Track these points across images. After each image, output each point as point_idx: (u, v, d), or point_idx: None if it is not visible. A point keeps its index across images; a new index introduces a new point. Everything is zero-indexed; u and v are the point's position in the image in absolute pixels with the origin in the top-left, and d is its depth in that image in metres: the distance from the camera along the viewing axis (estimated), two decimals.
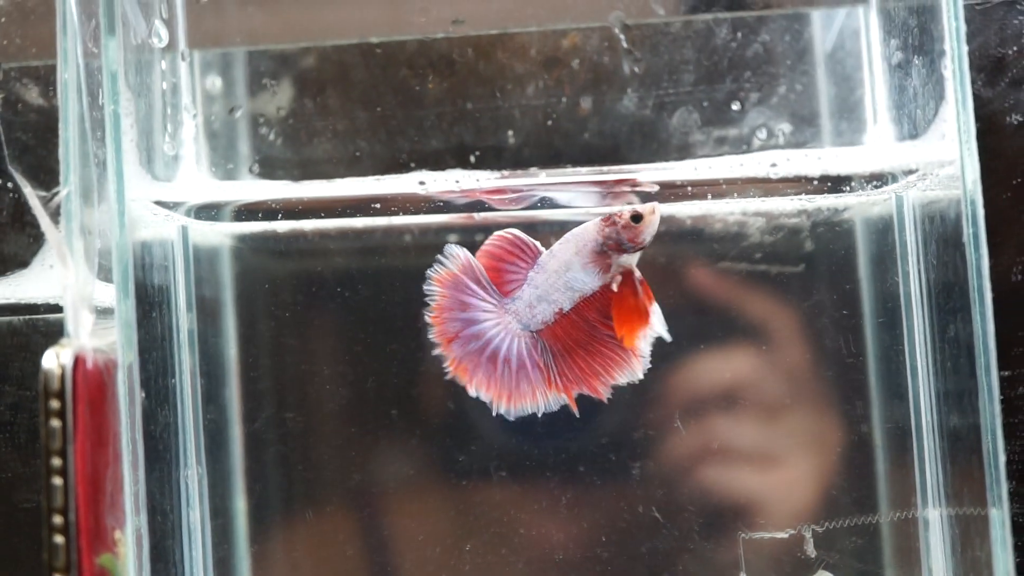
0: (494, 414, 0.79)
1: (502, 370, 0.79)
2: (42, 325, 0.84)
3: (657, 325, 0.77)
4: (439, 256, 0.78)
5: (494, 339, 0.79)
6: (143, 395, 0.74)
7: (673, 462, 0.87)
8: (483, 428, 0.87)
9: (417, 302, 0.79)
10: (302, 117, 0.88)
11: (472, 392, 0.79)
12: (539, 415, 0.79)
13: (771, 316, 0.88)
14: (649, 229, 0.77)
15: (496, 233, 0.78)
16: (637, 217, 0.77)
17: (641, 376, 0.79)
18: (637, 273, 0.78)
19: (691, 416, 0.88)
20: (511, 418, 0.79)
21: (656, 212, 0.77)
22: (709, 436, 0.88)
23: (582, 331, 0.79)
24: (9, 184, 0.83)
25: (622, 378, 0.79)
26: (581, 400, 0.80)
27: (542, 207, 0.84)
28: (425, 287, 0.78)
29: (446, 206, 0.84)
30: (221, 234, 0.88)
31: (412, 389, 0.88)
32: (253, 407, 0.89)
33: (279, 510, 0.90)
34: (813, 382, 0.88)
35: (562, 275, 0.78)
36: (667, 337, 0.77)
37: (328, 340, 0.91)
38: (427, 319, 0.79)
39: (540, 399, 0.79)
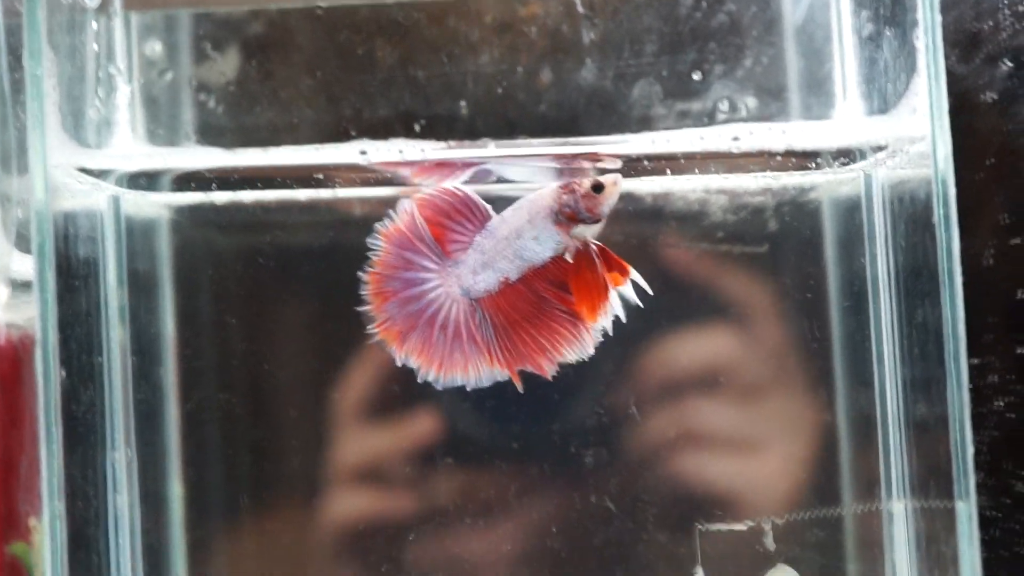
0: (419, 380, 0.75)
1: (437, 336, 0.74)
2: None
3: (630, 291, 0.73)
4: (389, 211, 0.74)
5: (434, 302, 0.75)
6: (63, 373, 0.70)
7: (631, 449, 0.83)
8: (429, 412, 0.83)
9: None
10: (245, 84, 0.84)
11: (399, 359, 0.74)
12: (467, 389, 0.75)
13: (746, 296, 0.84)
14: (609, 200, 0.73)
15: (444, 185, 0.74)
16: (598, 187, 0.72)
17: (591, 352, 0.75)
18: (594, 245, 0.74)
19: (652, 401, 0.84)
20: (439, 387, 0.75)
21: (618, 184, 0.73)
22: (672, 423, 0.84)
23: (529, 303, 0.75)
24: None
25: (571, 355, 0.75)
26: (536, 383, 0.76)
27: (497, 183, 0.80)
28: (369, 240, 0.74)
29: (392, 180, 0.79)
30: (158, 205, 0.84)
31: (356, 371, 0.84)
32: (190, 387, 0.85)
33: (218, 497, 0.85)
34: (778, 368, 0.85)
35: (512, 242, 0.74)
36: (648, 291, 0.73)
37: (270, 318, 0.86)
38: (363, 276, 0.74)
39: (472, 372, 0.75)
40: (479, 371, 0.75)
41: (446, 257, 0.74)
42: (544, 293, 0.74)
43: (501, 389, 0.75)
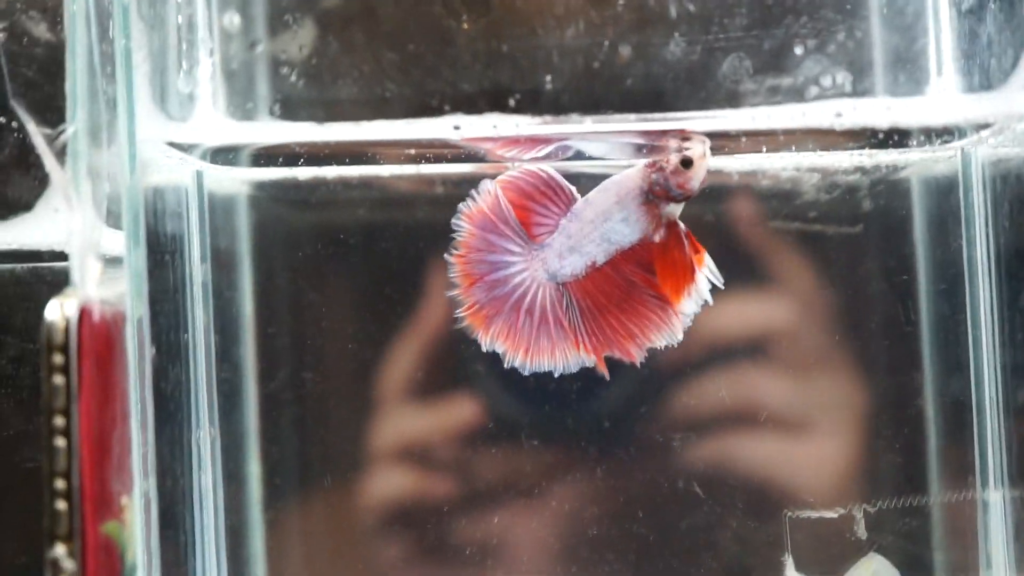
0: (506, 366, 0.73)
1: (523, 321, 0.73)
2: (47, 274, 0.78)
3: (710, 275, 0.71)
4: (472, 192, 0.72)
5: (519, 286, 0.73)
6: (153, 351, 0.69)
7: (715, 432, 0.82)
8: (515, 393, 0.82)
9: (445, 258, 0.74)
10: (326, 56, 0.82)
11: (485, 344, 0.73)
12: (555, 375, 0.73)
13: (807, 277, 0.82)
14: (699, 174, 0.71)
15: (526, 167, 0.72)
16: (687, 162, 0.71)
17: (680, 337, 0.73)
18: (681, 225, 0.72)
19: (733, 382, 0.83)
20: (525, 372, 0.73)
21: (707, 156, 0.71)
22: (753, 405, 0.82)
23: (617, 287, 0.73)
24: (13, 123, 0.78)
25: (660, 340, 0.73)
26: (617, 366, 0.75)
27: (575, 158, 0.78)
28: (453, 222, 0.73)
29: (470, 157, 0.78)
30: (238, 181, 0.83)
31: (439, 349, 0.82)
32: (269, 366, 0.84)
33: (295, 476, 0.85)
34: (866, 351, 0.83)
35: (599, 225, 0.72)
36: (719, 284, 0.72)
37: (350, 297, 0.85)
38: (449, 258, 0.73)
39: (560, 358, 0.73)
40: (566, 356, 0.73)
41: (531, 240, 0.73)
42: (632, 276, 0.73)
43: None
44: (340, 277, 0.85)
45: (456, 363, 0.83)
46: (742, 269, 0.84)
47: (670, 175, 0.71)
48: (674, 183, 0.71)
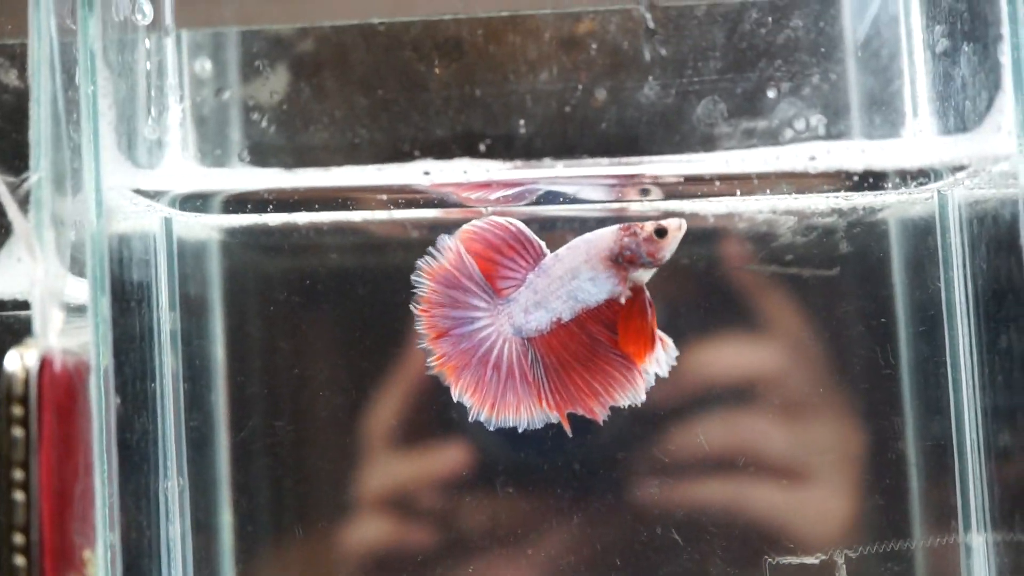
0: (471, 419, 0.72)
1: (490, 375, 0.72)
2: (12, 322, 0.77)
3: (662, 356, 0.71)
4: (430, 248, 0.72)
5: (485, 341, 0.73)
6: (119, 401, 0.68)
7: (694, 478, 0.81)
8: (488, 440, 0.81)
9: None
10: (297, 103, 0.82)
11: (455, 395, 0.72)
12: (519, 430, 0.73)
13: (792, 319, 0.82)
14: (671, 245, 0.71)
15: (493, 218, 0.71)
16: (661, 231, 0.70)
17: (643, 399, 0.72)
18: (647, 293, 0.72)
19: (713, 427, 0.82)
20: (490, 428, 0.72)
21: (682, 228, 0.70)
22: (732, 450, 0.81)
23: (581, 344, 0.73)
24: None
25: (623, 399, 0.72)
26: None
27: (546, 199, 0.77)
28: (413, 278, 0.72)
29: (443, 201, 0.77)
30: (208, 227, 0.82)
31: (420, 396, 0.81)
32: (241, 414, 0.83)
33: (267, 526, 0.83)
34: (845, 394, 0.82)
35: (566, 283, 0.72)
36: (671, 362, 0.71)
37: (323, 343, 0.84)
38: (415, 311, 0.72)
39: (524, 413, 0.72)
40: (531, 412, 0.73)
41: (496, 294, 0.72)
42: (597, 335, 0.72)
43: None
44: (313, 324, 0.84)
45: (437, 410, 0.82)
46: (724, 312, 0.83)
47: (643, 241, 0.71)
48: (645, 250, 0.71)
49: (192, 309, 0.82)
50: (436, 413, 0.82)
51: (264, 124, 0.82)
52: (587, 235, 0.72)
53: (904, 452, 0.81)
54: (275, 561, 0.84)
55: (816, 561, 0.78)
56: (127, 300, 0.71)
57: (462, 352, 0.73)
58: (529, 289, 0.72)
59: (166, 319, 0.77)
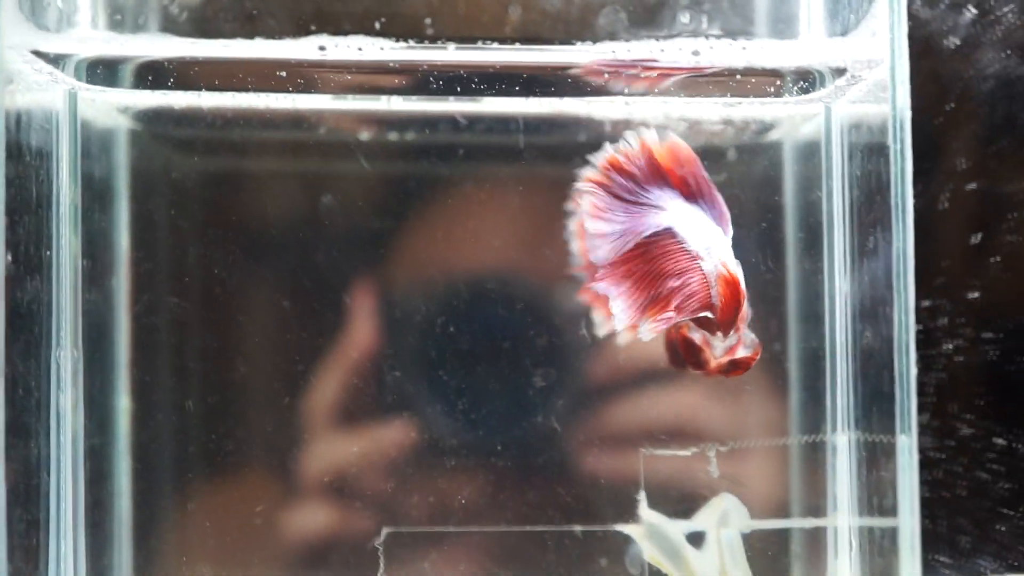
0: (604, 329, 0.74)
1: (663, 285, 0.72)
2: None
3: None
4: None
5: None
6: (9, 258, 0.69)
7: (580, 372, 0.83)
8: (431, 418, 0.83)
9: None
10: None
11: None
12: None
13: None
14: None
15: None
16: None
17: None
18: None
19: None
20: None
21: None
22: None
23: None
24: None
25: None
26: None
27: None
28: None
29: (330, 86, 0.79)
30: (114, 109, 0.83)
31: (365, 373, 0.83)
32: (141, 298, 0.84)
33: (164, 404, 0.85)
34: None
35: None
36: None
37: (229, 243, 0.85)
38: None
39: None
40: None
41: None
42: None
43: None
44: (223, 220, 0.85)
45: (382, 387, 0.84)
46: None
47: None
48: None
49: (96, 191, 0.83)
50: (378, 391, 0.84)
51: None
52: None
53: (784, 355, 0.84)
54: (168, 433, 0.85)
55: (688, 453, 0.81)
56: (23, 163, 0.72)
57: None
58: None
59: (66, 192, 0.78)
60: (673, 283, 0.72)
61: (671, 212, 0.72)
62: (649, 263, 0.72)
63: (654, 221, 0.72)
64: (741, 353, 0.73)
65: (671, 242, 0.72)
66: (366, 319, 0.83)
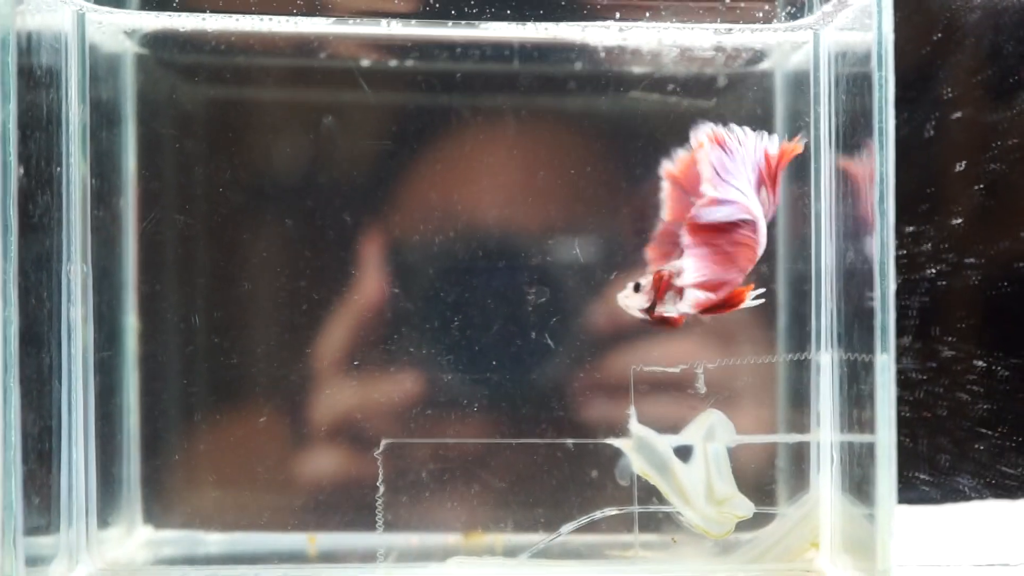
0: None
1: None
2: None
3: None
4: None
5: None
6: (21, 171, 0.72)
7: (570, 292, 0.86)
8: (437, 368, 0.86)
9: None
10: None
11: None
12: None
13: None
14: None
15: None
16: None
17: None
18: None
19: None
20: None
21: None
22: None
23: None
24: None
25: None
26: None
27: None
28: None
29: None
30: (121, 32, 0.85)
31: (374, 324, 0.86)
32: (148, 216, 0.87)
33: (172, 320, 0.87)
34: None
35: None
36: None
37: (236, 172, 0.87)
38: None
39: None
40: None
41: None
42: None
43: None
44: (230, 152, 0.87)
45: (391, 339, 0.86)
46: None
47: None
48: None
49: (103, 113, 0.85)
50: (385, 341, 0.86)
51: None
52: None
53: (773, 277, 0.87)
54: (176, 343, 0.87)
55: (677, 370, 0.84)
56: (34, 80, 0.74)
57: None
58: None
59: (75, 111, 0.81)
60: (735, 276, 0.75)
61: (759, 207, 0.75)
62: (732, 246, 0.75)
63: (755, 208, 0.74)
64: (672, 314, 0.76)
65: (748, 236, 0.75)
66: (373, 263, 0.86)
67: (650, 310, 0.77)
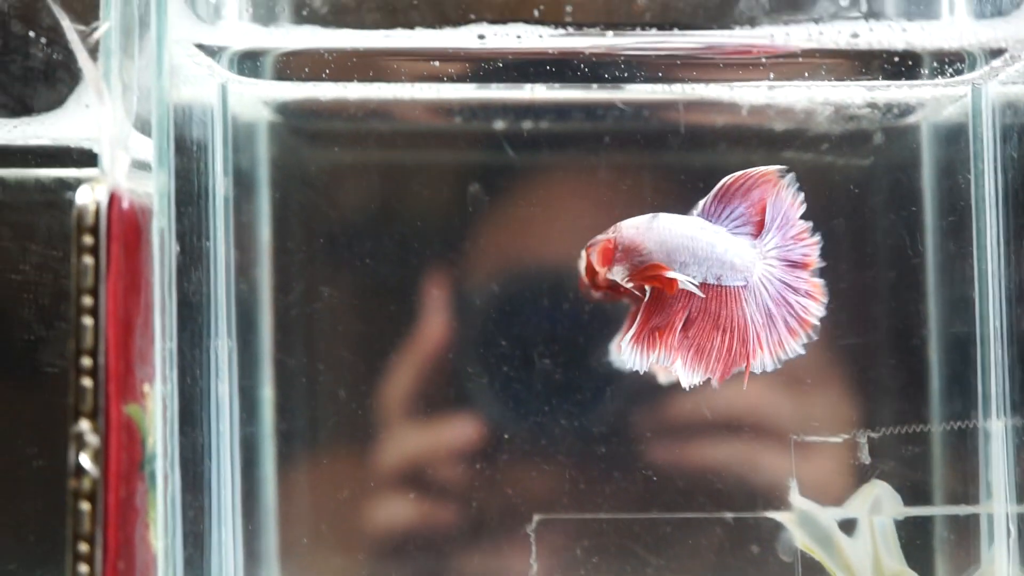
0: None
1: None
2: (73, 182, 0.80)
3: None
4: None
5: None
6: (178, 248, 0.70)
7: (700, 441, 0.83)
8: (497, 410, 0.83)
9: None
10: None
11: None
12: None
13: None
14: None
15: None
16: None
17: None
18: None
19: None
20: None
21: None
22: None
23: None
24: (48, 20, 0.79)
25: None
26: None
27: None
28: None
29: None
30: (259, 101, 0.84)
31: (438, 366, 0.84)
32: (286, 287, 0.86)
33: (307, 395, 0.86)
34: (870, 280, 0.84)
35: None
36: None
37: (365, 239, 0.86)
38: None
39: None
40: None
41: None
42: None
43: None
44: (357, 216, 0.86)
45: (454, 381, 0.85)
46: None
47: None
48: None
49: (243, 181, 0.84)
50: (447, 384, 0.84)
51: None
52: None
53: (927, 339, 0.83)
54: (312, 425, 0.86)
55: (839, 440, 0.81)
56: (187, 155, 0.73)
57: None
58: None
59: (220, 183, 0.80)
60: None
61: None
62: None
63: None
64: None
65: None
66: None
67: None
